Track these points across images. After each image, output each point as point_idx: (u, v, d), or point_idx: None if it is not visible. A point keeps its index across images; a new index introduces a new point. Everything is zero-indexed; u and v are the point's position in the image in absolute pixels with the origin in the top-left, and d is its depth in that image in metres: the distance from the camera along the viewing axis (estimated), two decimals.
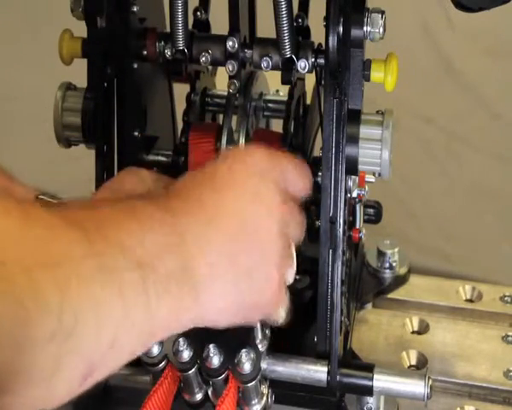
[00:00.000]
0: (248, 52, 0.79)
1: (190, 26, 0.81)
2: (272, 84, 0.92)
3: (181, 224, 0.60)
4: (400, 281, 0.98)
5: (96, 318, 0.52)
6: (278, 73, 0.79)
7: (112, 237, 0.55)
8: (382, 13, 0.73)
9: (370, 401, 0.80)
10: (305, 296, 0.88)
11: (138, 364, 0.73)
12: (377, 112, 0.76)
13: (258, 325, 0.72)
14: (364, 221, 0.91)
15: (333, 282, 0.76)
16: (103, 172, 0.79)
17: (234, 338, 0.71)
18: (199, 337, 0.71)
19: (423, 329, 0.93)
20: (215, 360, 0.71)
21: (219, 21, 0.83)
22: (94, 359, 0.53)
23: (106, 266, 0.54)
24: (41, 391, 0.51)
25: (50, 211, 0.54)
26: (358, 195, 0.84)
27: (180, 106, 0.87)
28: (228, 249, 0.62)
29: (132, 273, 0.55)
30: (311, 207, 0.86)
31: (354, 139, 0.74)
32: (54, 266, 0.50)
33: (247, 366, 0.71)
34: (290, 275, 0.68)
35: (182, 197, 0.63)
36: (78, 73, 0.81)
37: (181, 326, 0.62)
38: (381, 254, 0.98)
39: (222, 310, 0.63)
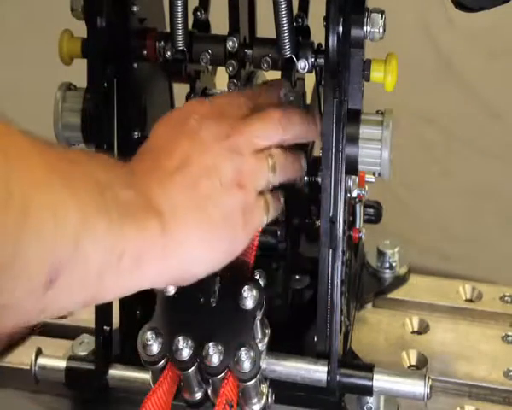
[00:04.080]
0: (248, 52, 0.79)
1: (190, 26, 0.81)
2: None
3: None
4: (400, 281, 0.98)
5: (51, 210, 0.53)
6: (278, 73, 0.79)
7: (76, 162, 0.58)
8: (382, 13, 0.73)
9: (370, 401, 0.80)
10: (305, 296, 0.88)
11: (138, 363, 0.73)
12: (377, 112, 0.76)
13: (258, 324, 0.72)
14: (364, 221, 0.91)
15: (333, 282, 0.76)
16: None
17: (233, 337, 0.71)
18: (199, 336, 0.71)
19: (423, 329, 0.93)
20: (215, 358, 0.71)
21: (219, 21, 0.83)
22: (56, 257, 0.53)
23: (62, 171, 0.55)
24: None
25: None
26: (358, 195, 0.84)
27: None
28: (179, 186, 0.65)
29: (89, 184, 0.57)
30: (311, 207, 0.86)
31: (354, 139, 0.74)
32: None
33: (246, 365, 0.70)
34: (259, 185, 0.70)
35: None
36: (80, 73, 0.81)
37: (157, 268, 0.63)
38: (381, 254, 0.98)
39: (194, 245, 0.65)
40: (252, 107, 0.74)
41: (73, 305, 0.59)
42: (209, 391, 0.74)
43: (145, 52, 0.80)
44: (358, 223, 0.88)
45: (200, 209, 0.66)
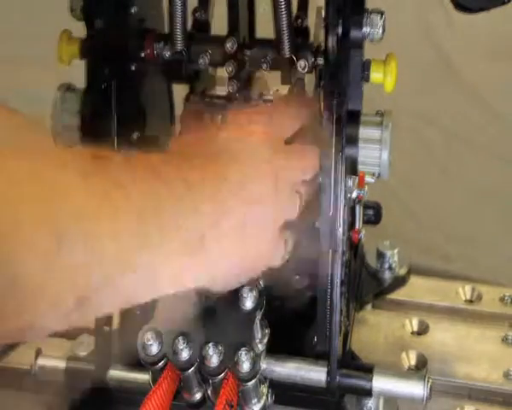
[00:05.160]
0: (248, 53, 0.79)
1: (189, 27, 0.81)
2: (272, 85, 0.92)
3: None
4: (400, 282, 0.98)
5: (84, 238, 0.52)
6: (278, 73, 0.79)
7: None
8: (382, 13, 0.73)
9: (370, 401, 0.80)
10: (305, 297, 0.88)
11: (138, 363, 0.73)
12: (377, 113, 0.76)
13: (258, 325, 0.72)
14: (364, 222, 0.91)
15: (332, 282, 0.76)
16: None
17: (233, 337, 0.71)
18: (198, 336, 0.71)
19: (423, 329, 0.93)
20: (214, 359, 0.71)
21: (218, 22, 0.83)
22: (87, 283, 0.53)
23: (100, 196, 0.54)
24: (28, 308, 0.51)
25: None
26: (358, 195, 0.84)
27: (179, 106, 0.86)
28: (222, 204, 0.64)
29: (129, 212, 0.56)
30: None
31: (353, 140, 0.74)
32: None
33: (246, 365, 0.70)
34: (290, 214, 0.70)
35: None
36: (79, 74, 0.81)
37: (185, 278, 0.62)
38: (380, 255, 0.98)
39: (226, 261, 0.65)
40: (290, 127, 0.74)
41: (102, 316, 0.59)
42: (209, 391, 0.74)
43: (144, 53, 0.80)
44: (358, 224, 0.88)
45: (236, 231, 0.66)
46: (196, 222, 0.62)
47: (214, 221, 0.63)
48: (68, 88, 0.82)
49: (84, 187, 0.53)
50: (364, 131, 0.74)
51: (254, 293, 0.71)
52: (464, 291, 0.97)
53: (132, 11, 0.78)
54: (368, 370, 0.77)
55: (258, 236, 0.67)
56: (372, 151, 0.74)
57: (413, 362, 0.89)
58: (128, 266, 0.56)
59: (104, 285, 0.54)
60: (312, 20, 0.84)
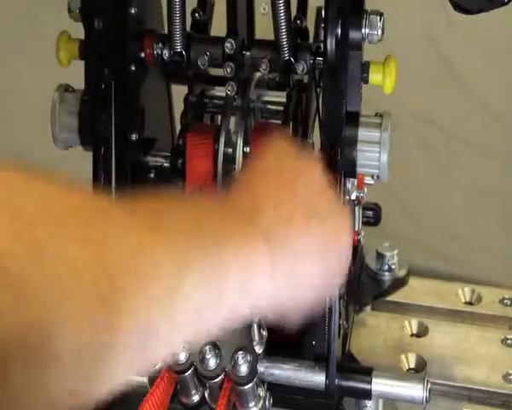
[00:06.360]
0: (247, 54, 0.79)
1: (188, 28, 0.81)
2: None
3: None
4: (399, 283, 0.98)
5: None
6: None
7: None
8: (381, 15, 0.73)
9: (369, 404, 0.80)
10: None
11: None
12: (376, 114, 0.76)
13: (255, 327, 0.72)
14: (363, 223, 0.91)
15: None
16: (101, 175, 0.79)
17: (230, 340, 0.71)
18: None
19: (422, 332, 0.92)
20: (211, 362, 0.70)
21: (218, 23, 0.82)
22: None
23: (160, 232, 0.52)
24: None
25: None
26: (357, 197, 0.84)
27: (178, 107, 0.86)
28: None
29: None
30: None
31: (353, 142, 0.74)
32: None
33: (243, 369, 0.70)
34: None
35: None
36: (78, 75, 0.81)
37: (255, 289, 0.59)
38: (380, 257, 0.98)
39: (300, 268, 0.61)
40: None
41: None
42: (206, 394, 0.74)
43: (143, 54, 0.80)
44: (357, 225, 0.87)
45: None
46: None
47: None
48: (66, 89, 0.82)
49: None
50: (363, 133, 0.74)
51: None
52: (464, 293, 0.97)
53: (131, 12, 0.78)
54: (367, 372, 0.77)
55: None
56: (371, 153, 0.74)
57: (412, 364, 0.89)
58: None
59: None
60: (312, 21, 0.83)
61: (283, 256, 0.60)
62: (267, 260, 0.58)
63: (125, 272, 0.48)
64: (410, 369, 0.89)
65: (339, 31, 0.71)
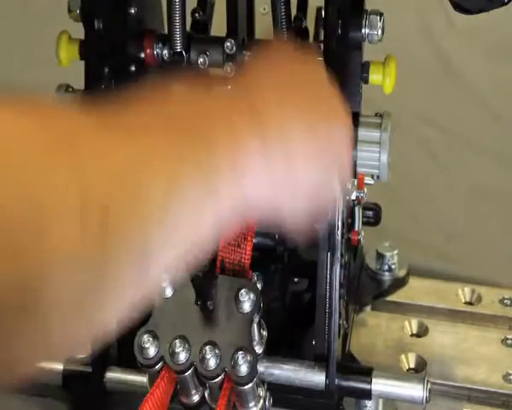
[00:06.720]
0: (247, 54, 0.79)
1: (188, 28, 0.81)
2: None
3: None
4: (399, 283, 0.98)
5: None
6: None
7: None
8: (381, 15, 0.73)
9: (369, 404, 0.80)
10: (304, 299, 0.88)
11: (135, 366, 0.73)
12: (376, 114, 0.76)
13: (255, 327, 0.72)
14: (363, 223, 0.91)
15: (331, 285, 0.76)
16: None
17: (230, 340, 0.71)
18: (195, 339, 0.71)
19: (422, 332, 0.92)
20: (211, 362, 0.70)
21: (218, 23, 0.82)
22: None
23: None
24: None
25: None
26: (357, 197, 0.84)
27: None
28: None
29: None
30: None
31: (352, 142, 0.74)
32: None
33: (243, 369, 0.70)
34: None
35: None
36: (78, 75, 0.81)
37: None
38: (380, 257, 0.98)
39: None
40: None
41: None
42: (206, 394, 0.74)
43: (143, 54, 0.80)
44: (357, 225, 0.87)
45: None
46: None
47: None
48: (66, 89, 0.82)
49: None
50: (363, 133, 0.74)
51: (252, 295, 0.71)
52: (464, 293, 0.97)
53: (131, 12, 0.78)
54: (367, 372, 0.77)
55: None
56: (371, 153, 0.74)
57: (412, 364, 0.89)
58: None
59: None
60: (312, 21, 0.83)
61: (280, 151, 0.58)
62: (259, 149, 0.56)
63: (111, 190, 0.47)
64: (410, 369, 0.89)
65: (339, 31, 0.71)
